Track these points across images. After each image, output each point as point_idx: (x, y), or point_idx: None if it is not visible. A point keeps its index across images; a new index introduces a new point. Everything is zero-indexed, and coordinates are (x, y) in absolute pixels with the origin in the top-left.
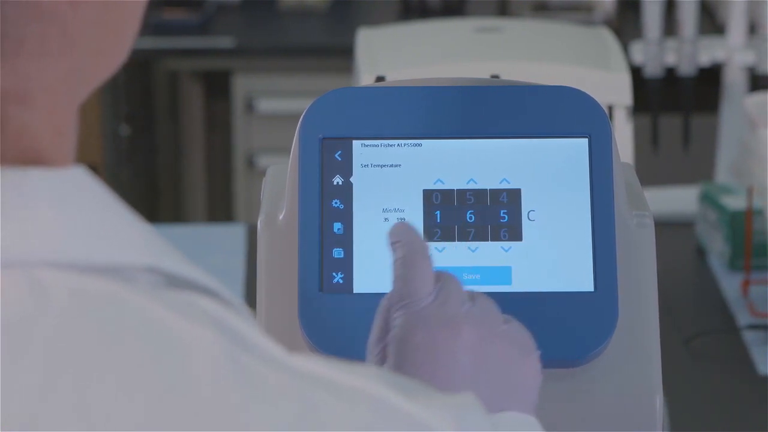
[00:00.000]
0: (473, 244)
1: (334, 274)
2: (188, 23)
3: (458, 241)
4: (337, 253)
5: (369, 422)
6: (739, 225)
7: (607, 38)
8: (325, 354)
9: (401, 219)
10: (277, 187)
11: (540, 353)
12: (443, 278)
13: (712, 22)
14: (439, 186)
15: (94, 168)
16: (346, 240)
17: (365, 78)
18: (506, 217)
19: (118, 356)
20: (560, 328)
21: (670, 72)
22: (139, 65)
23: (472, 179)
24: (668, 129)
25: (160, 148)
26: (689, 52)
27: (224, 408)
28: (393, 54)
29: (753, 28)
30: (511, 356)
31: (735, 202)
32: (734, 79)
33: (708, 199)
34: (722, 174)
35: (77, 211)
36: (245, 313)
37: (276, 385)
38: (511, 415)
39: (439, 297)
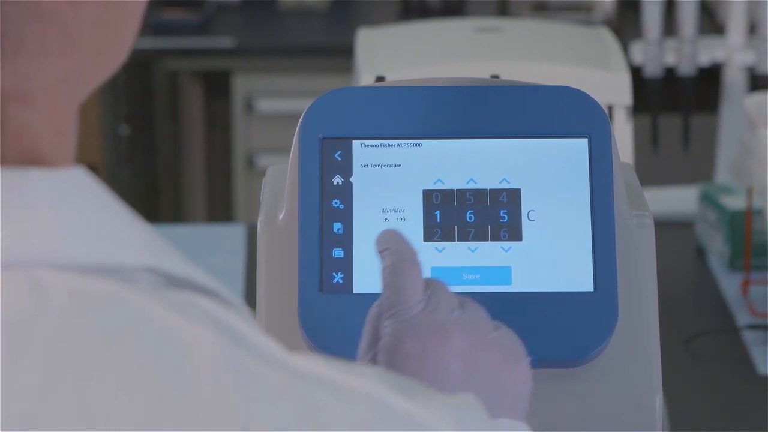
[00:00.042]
0: (473, 244)
1: (333, 274)
2: (188, 23)
3: (458, 241)
4: (337, 253)
5: (369, 422)
6: (738, 225)
7: (607, 38)
8: (325, 354)
9: (401, 219)
10: (277, 187)
11: (530, 359)
12: (432, 285)
13: (711, 22)
14: (439, 186)
15: (94, 168)
16: (345, 240)
17: (365, 78)
18: (506, 217)
19: (118, 356)
20: (560, 328)
21: (670, 72)
22: (139, 65)
23: (472, 179)
24: (668, 129)
25: (160, 148)
26: (689, 52)
27: (224, 408)
28: (393, 54)
29: (753, 28)
30: (502, 363)
31: (735, 202)
32: (734, 79)
33: (708, 199)
34: (722, 174)
35: (77, 211)
36: (245, 313)
37: (276, 385)
38: (504, 422)
39: (429, 305)
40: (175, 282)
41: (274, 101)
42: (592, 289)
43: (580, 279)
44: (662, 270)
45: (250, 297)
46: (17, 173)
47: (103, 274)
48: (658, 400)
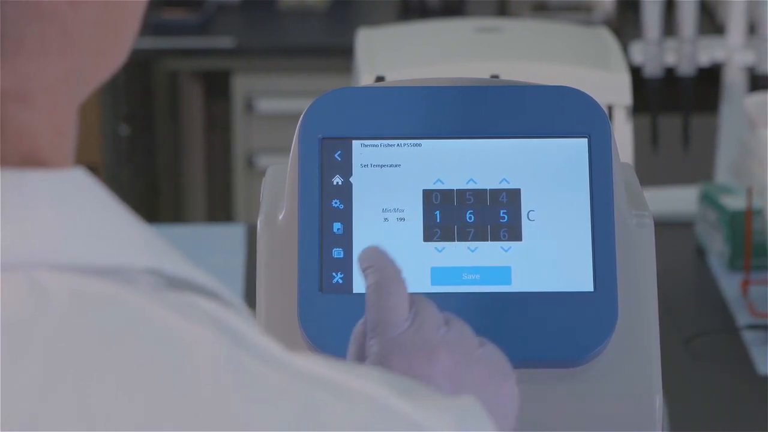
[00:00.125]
0: (473, 244)
1: (333, 274)
2: (188, 23)
3: (458, 241)
4: (337, 253)
5: (368, 423)
6: (738, 225)
7: (607, 38)
8: (325, 354)
9: (401, 219)
10: (277, 187)
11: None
12: (417, 303)
13: (711, 22)
14: (438, 186)
15: (94, 168)
16: (345, 240)
17: (365, 78)
18: (506, 217)
19: (119, 356)
20: (560, 328)
21: (670, 72)
22: (139, 65)
23: (471, 179)
24: (668, 129)
25: (159, 148)
26: (689, 52)
27: (224, 408)
28: (393, 54)
29: (753, 28)
30: (488, 380)
31: (735, 202)
32: (734, 79)
33: (708, 199)
34: (722, 174)
35: (77, 212)
36: (245, 313)
37: (276, 385)
38: None
39: (415, 323)
40: (175, 283)
41: (274, 101)
42: (591, 289)
43: (580, 279)
44: (662, 270)
45: (250, 297)
46: (17, 174)
47: (103, 275)
48: (658, 400)
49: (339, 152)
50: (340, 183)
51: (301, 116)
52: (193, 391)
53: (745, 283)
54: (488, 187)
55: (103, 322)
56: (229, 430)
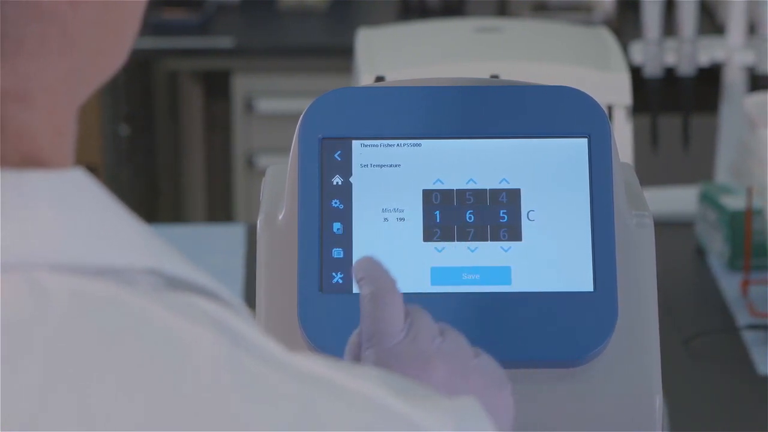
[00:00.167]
0: (473, 244)
1: (333, 274)
2: (188, 23)
3: (458, 241)
4: (337, 253)
5: (368, 423)
6: (738, 225)
7: (607, 38)
8: (325, 354)
9: (400, 219)
10: (277, 187)
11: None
12: (413, 313)
13: (711, 22)
14: (438, 186)
15: (94, 168)
16: (345, 240)
17: (365, 78)
18: (506, 217)
19: (119, 357)
20: (560, 328)
21: (670, 72)
22: (139, 65)
23: (471, 179)
24: (668, 129)
25: (159, 148)
26: (689, 52)
27: (224, 408)
28: (393, 54)
29: (753, 28)
30: (483, 390)
31: (735, 202)
32: (734, 79)
33: (708, 199)
34: (722, 174)
35: (77, 212)
36: (245, 313)
37: (276, 386)
38: None
39: (410, 333)
40: (174, 283)
41: (274, 101)
42: (591, 289)
43: (580, 279)
44: (662, 270)
45: (250, 297)
46: (17, 174)
47: (102, 275)
48: (658, 400)
49: (339, 152)
50: (339, 183)
51: (301, 116)
52: (192, 392)
53: (745, 283)
54: (488, 187)
55: (103, 323)
56: (229, 430)
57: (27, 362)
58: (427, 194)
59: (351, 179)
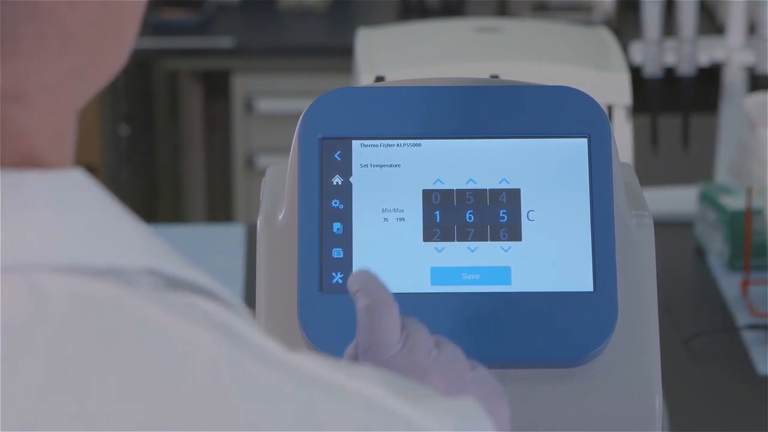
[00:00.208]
0: (473, 244)
1: (333, 274)
2: (188, 23)
3: (458, 241)
4: (337, 253)
5: (367, 423)
6: (738, 225)
7: (607, 38)
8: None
9: (400, 219)
10: (277, 187)
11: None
12: (409, 326)
13: (711, 22)
14: (438, 186)
15: (94, 168)
16: (345, 240)
17: (365, 78)
18: (506, 217)
19: (118, 357)
20: (560, 328)
21: (670, 72)
22: (139, 65)
23: (471, 179)
24: (668, 129)
25: (159, 148)
26: (689, 52)
27: (224, 409)
28: (392, 54)
29: (753, 28)
30: (480, 402)
31: (734, 202)
32: (734, 79)
33: (707, 199)
34: (722, 174)
35: (76, 213)
36: (244, 313)
37: (276, 386)
38: None
39: (406, 345)
40: (174, 283)
41: (274, 101)
42: (591, 289)
43: (580, 279)
44: (662, 270)
45: (250, 297)
46: (15, 175)
47: (102, 276)
48: (658, 400)
49: (339, 152)
50: (339, 183)
51: (301, 116)
52: (192, 392)
53: (745, 283)
54: (488, 187)
55: (103, 324)
56: (229, 430)
57: (27, 363)
58: (427, 194)
59: (351, 179)
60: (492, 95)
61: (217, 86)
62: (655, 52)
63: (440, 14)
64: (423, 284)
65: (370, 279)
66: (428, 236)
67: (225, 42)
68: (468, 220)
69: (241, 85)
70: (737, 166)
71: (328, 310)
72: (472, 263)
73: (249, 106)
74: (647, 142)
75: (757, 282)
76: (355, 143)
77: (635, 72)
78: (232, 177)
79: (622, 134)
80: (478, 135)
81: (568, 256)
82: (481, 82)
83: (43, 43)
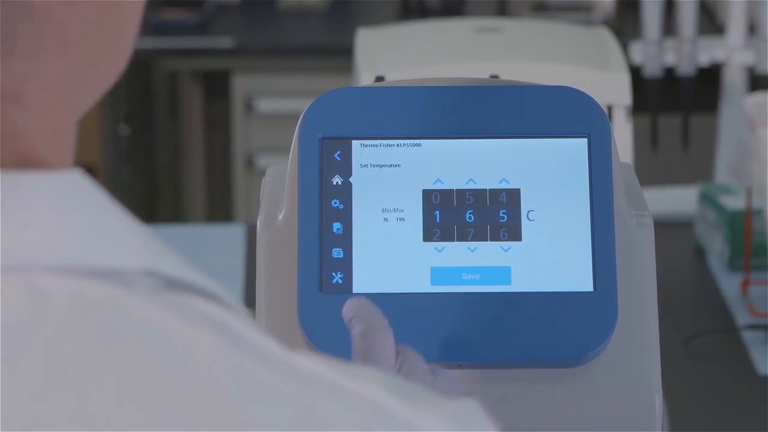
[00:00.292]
0: (472, 244)
1: (333, 274)
2: (188, 23)
3: (457, 241)
4: (337, 253)
5: (367, 424)
6: (738, 225)
7: (607, 38)
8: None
9: (400, 219)
10: (277, 187)
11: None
12: (404, 352)
13: (711, 22)
14: (438, 186)
15: (94, 168)
16: (345, 240)
17: (365, 78)
18: (505, 217)
19: (118, 358)
20: (559, 328)
21: (670, 72)
22: (138, 65)
23: (471, 179)
24: (668, 129)
25: (159, 148)
26: (689, 52)
27: (224, 409)
28: (392, 54)
29: (753, 28)
30: None
31: (734, 202)
32: (734, 79)
33: (707, 199)
34: (722, 174)
35: (75, 214)
36: (243, 314)
37: (275, 386)
38: None
39: (401, 371)
40: (173, 284)
41: (274, 101)
42: (591, 289)
43: (580, 279)
44: (662, 270)
45: (250, 297)
46: (13, 175)
47: (101, 277)
48: (658, 400)
49: (339, 152)
50: (339, 183)
51: (301, 116)
52: (192, 393)
53: (745, 283)
54: (488, 187)
55: (102, 325)
56: (229, 430)
57: (27, 363)
58: (427, 194)
59: (351, 179)
60: (492, 95)
61: (217, 86)
62: (655, 52)
63: (440, 14)
64: (423, 284)
65: (365, 306)
66: (428, 236)
67: (225, 42)
68: (468, 220)
69: (241, 85)
70: (737, 166)
71: (328, 310)
72: (472, 263)
73: (249, 106)
74: (647, 142)
75: (757, 282)
76: (355, 143)
77: (635, 72)
78: (232, 177)
79: (622, 134)
80: (478, 135)
81: (568, 256)
82: (481, 82)
83: (41, 43)
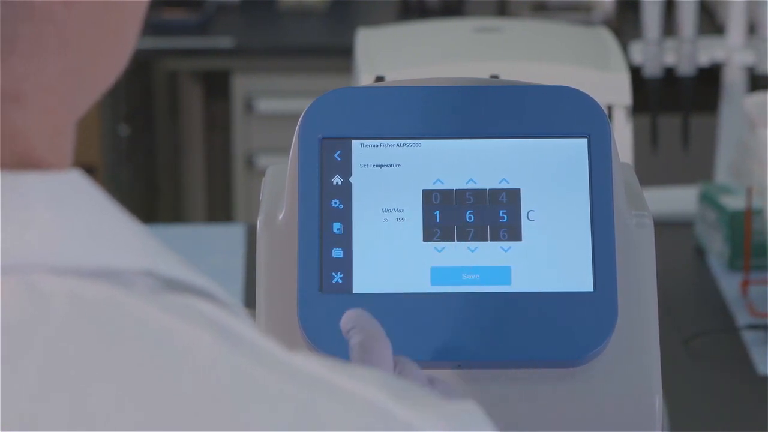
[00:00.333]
0: (472, 244)
1: (333, 274)
2: (188, 23)
3: (457, 241)
4: (337, 253)
5: (368, 424)
6: (738, 225)
7: (607, 38)
8: (325, 354)
9: (400, 219)
10: (277, 187)
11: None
12: (401, 362)
13: (711, 22)
14: (438, 186)
15: (94, 168)
16: (345, 240)
17: (365, 78)
18: (505, 217)
19: (118, 358)
20: (559, 328)
21: (670, 72)
22: (138, 65)
23: (471, 179)
24: (668, 129)
25: (159, 148)
26: (689, 52)
27: (223, 409)
28: (392, 54)
29: (752, 28)
30: None
31: (734, 202)
32: (734, 79)
33: (707, 199)
34: (722, 174)
35: (74, 214)
36: (242, 314)
37: (275, 387)
38: None
39: None
40: (172, 284)
41: (274, 101)
42: (591, 289)
43: (580, 279)
44: (662, 270)
45: (250, 297)
46: (13, 176)
47: (100, 277)
48: (658, 400)
49: (339, 152)
50: (339, 183)
51: (301, 116)
52: (191, 393)
53: (745, 283)
54: (488, 187)
55: (102, 325)
56: (228, 430)
57: (27, 363)
58: (427, 194)
59: (351, 179)
60: (492, 95)
61: (217, 86)
62: (655, 52)
63: (440, 14)
64: (423, 284)
65: (363, 317)
66: (428, 236)
67: (225, 42)
68: (468, 220)
69: (241, 85)
70: (737, 166)
71: (328, 310)
72: (472, 263)
73: (249, 106)
74: (647, 142)
75: (757, 282)
76: (355, 143)
77: (635, 72)
78: (232, 177)
79: (622, 134)
80: (478, 135)
81: (568, 256)
82: (481, 82)
83: (41, 43)
